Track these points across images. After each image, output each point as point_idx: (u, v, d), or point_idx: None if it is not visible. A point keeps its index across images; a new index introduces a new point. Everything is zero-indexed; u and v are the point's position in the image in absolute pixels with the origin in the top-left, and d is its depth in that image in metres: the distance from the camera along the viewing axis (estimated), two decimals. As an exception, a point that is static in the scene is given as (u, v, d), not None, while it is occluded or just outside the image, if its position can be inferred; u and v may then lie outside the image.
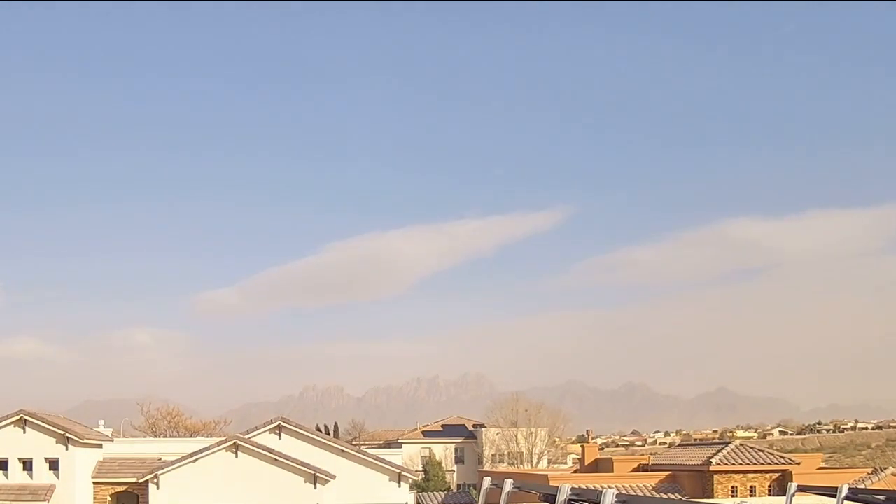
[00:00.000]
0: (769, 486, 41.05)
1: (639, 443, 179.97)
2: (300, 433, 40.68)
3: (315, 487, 37.78)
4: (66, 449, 38.63)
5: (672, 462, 46.05)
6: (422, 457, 78.68)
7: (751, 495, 40.11)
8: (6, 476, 38.54)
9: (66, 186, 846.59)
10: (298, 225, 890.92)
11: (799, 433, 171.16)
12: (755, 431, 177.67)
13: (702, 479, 41.66)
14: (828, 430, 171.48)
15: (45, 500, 37.65)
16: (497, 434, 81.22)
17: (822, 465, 53.63)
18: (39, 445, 38.58)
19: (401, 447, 70.83)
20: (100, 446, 41.46)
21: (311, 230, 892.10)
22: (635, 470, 46.90)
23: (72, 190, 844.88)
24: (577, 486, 9.49)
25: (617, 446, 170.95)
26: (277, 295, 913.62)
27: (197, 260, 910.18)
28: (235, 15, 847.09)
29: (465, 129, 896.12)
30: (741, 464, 41.20)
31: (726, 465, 41.04)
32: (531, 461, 78.83)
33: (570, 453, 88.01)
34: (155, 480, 37.91)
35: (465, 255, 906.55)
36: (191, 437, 63.15)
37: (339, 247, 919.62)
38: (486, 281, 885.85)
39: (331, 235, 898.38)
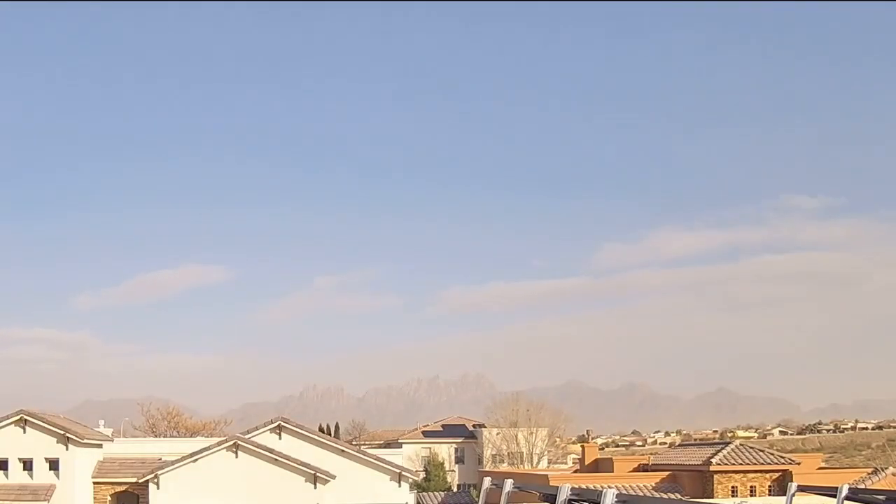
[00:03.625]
0: (769, 486, 41.08)
1: (639, 443, 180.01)
2: (300, 433, 40.71)
3: (315, 487, 37.82)
4: (67, 449, 38.66)
5: (672, 462, 46.07)
6: (422, 457, 78.73)
7: (751, 495, 40.14)
8: (6, 476, 38.58)
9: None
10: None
11: (799, 433, 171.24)
12: (755, 431, 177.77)
13: (702, 479, 41.69)
14: (828, 430, 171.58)
15: (45, 500, 37.68)
16: (497, 434, 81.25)
17: (823, 465, 53.63)
18: (39, 445, 38.62)
19: (401, 447, 70.91)
20: (100, 446, 41.49)
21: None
22: (635, 470, 46.92)
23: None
24: (577, 486, 9.49)
25: (617, 446, 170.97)
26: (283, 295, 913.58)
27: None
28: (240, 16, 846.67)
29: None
30: (741, 464, 41.22)
31: (726, 465, 41.05)
32: (531, 461, 78.83)
33: (570, 453, 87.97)
34: (155, 480, 37.95)
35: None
36: (191, 437, 63.22)
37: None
38: (485, 280, 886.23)
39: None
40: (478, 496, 41.62)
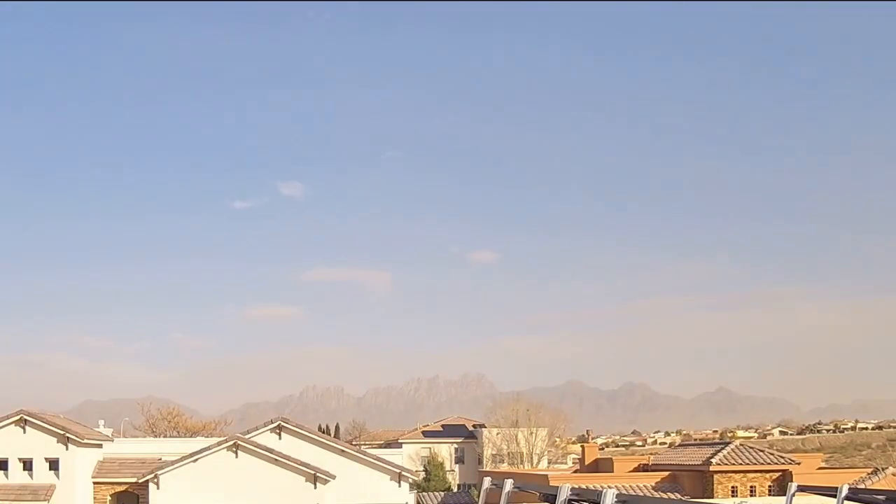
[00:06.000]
0: (769, 486, 41.06)
1: (639, 443, 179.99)
2: (300, 433, 40.70)
3: (315, 487, 37.81)
4: (67, 449, 38.64)
5: (672, 462, 46.04)
6: (422, 457, 78.72)
7: (751, 495, 40.12)
8: (6, 476, 38.56)
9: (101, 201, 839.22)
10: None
11: (799, 433, 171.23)
12: (755, 431, 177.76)
13: (702, 479, 41.67)
14: (828, 430, 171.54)
15: (45, 500, 37.67)
16: (497, 434, 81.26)
17: (823, 465, 53.58)
18: (39, 445, 38.58)
19: (401, 447, 70.90)
20: (100, 446, 41.48)
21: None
22: (635, 470, 46.90)
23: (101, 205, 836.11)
24: (577, 486, 9.50)
25: (617, 446, 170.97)
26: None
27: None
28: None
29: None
30: (741, 464, 41.21)
31: (726, 465, 41.03)
32: (531, 461, 78.83)
33: (570, 453, 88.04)
34: (155, 480, 37.94)
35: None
36: (191, 437, 63.18)
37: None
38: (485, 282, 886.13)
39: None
40: (478, 496, 41.54)
